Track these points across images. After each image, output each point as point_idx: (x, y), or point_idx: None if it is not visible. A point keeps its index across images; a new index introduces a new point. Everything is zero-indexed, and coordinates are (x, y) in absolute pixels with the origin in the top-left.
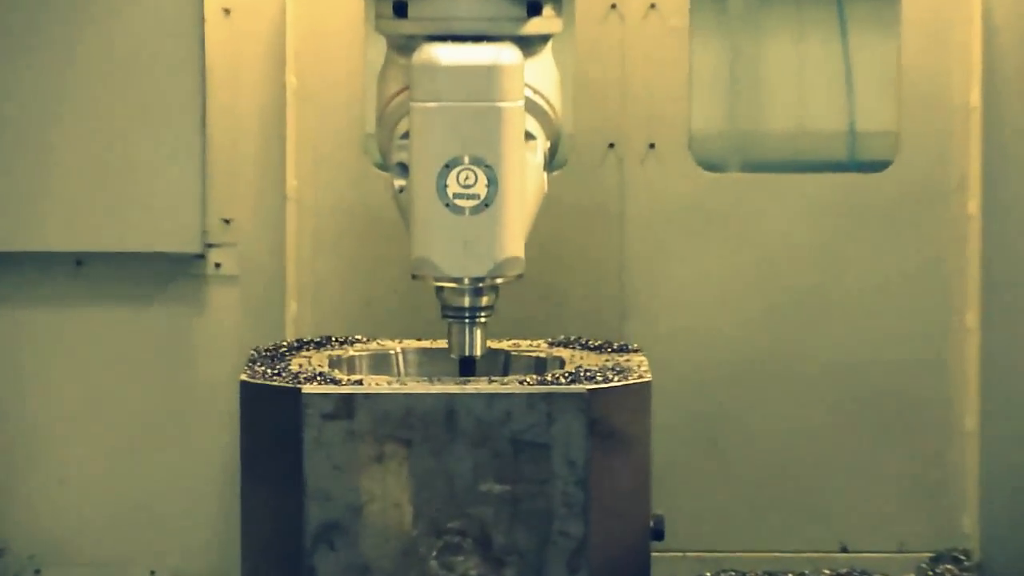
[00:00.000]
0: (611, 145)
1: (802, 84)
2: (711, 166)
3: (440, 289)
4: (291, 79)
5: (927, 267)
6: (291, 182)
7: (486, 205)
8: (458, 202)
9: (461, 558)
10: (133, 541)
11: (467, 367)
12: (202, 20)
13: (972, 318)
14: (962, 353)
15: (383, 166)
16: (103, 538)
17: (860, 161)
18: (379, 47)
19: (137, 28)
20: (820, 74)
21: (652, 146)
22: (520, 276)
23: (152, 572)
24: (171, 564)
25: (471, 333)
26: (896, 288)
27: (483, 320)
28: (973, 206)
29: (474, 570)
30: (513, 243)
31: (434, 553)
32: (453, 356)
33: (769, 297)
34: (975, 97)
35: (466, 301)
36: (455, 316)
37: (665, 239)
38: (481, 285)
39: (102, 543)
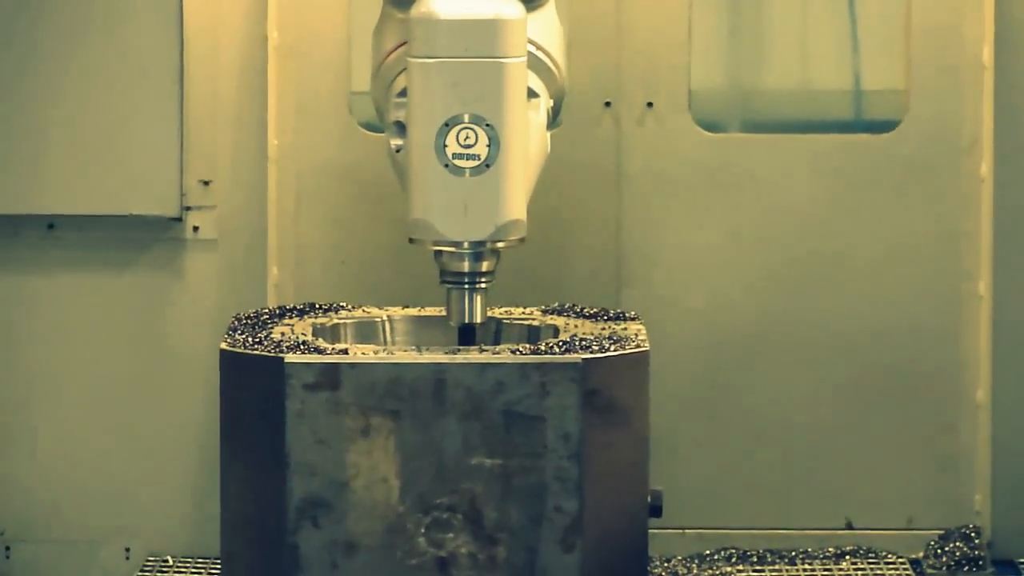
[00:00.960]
0: (607, 104)
1: (806, 40)
2: (711, 126)
3: (438, 253)
4: (273, 33)
5: (936, 232)
6: (273, 142)
7: (487, 166)
8: (458, 162)
9: (451, 535)
10: (107, 517)
11: (467, 335)
12: None
13: (983, 285)
14: (973, 321)
15: (369, 125)
16: (76, 514)
17: (867, 121)
18: (364, 0)
19: None
20: (825, 29)
21: (650, 105)
22: (522, 240)
23: (127, 549)
24: (147, 542)
25: (471, 300)
26: (904, 254)
27: (483, 286)
28: (985, 168)
29: (464, 547)
30: (515, 206)
31: (422, 530)
32: (452, 324)
33: (772, 263)
34: (987, 54)
35: (466, 266)
36: (454, 282)
37: (664, 202)
38: (481, 249)
39: (75, 519)
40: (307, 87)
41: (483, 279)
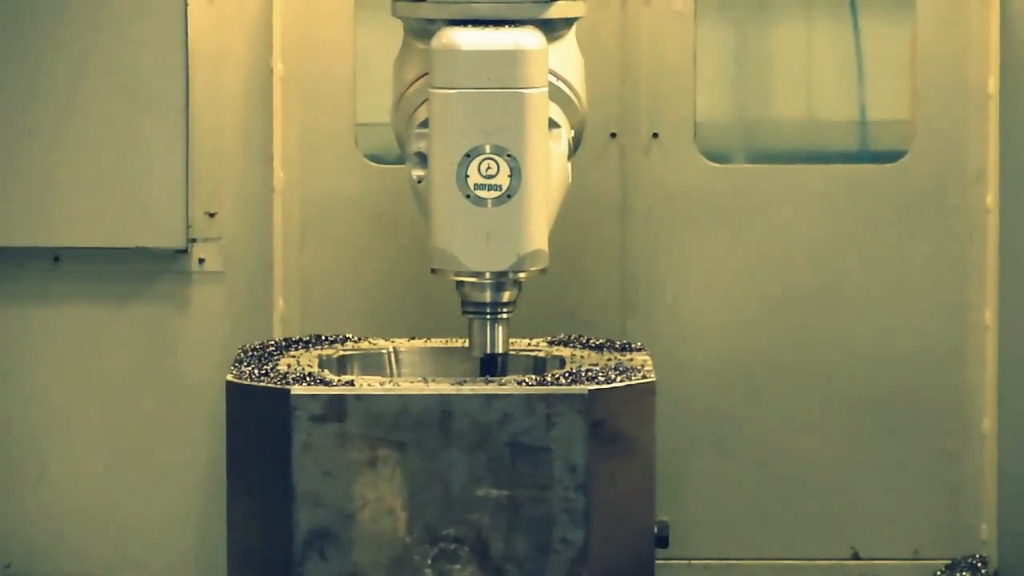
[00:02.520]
0: (613, 135)
1: (811, 71)
2: (717, 157)
3: (460, 284)
4: (278, 65)
5: (942, 262)
6: (278, 174)
7: (508, 196)
8: (479, 193)
9: (457, 566)
10: (114, 548)
11: (489, 366)
12: (185, 5)
13: (989, 315)
14: (978, 351)
15: (375, 157)
16: (83, 545)
17: (872, 152)
18: (370, 31)
19: (118, 14)
20: (830, 60)
21: (655, 136)
22: (544, 271)
23: None
24: (153, 573)
25: (493, 330)
26: (910, 284)
27: (505, 316)
28: (991, 198)
29: None
30: (537, 236)
31: (429, 561)
32: (475, 354)
33: (778, 294)
34: (992, 84)
35: (487, 296)
36: (476, 312)
37: (669, 233)
38: (503, 279)
39: (81, 551)
40: (312, 119)
41: (505, 309)
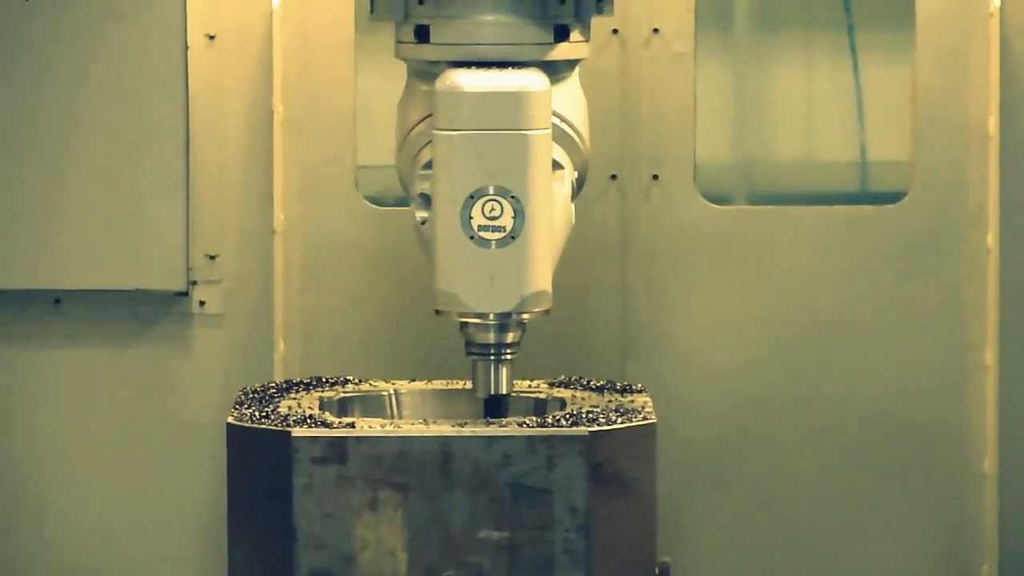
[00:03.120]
0: (613, 176)
1: (811, 112)
2: (717, 198)
3: (464, 325)
4: (278, 107)
5: (943, 303)
6: (278, 216)
7: (512, 238)
8: (483, 234)
9: None
10: None
11: (493, 407)
12: (185, 47)
13: (990, 355)
14: (979, 391)
15: (375, 199)
16: None
17: (872, 192)
18: (370, 73)
19: (117, 56)
20: (830, 102)
21: (656, 177)
22: (547, 312)
23: None
24: None
25: (497, 371)
26: (910, 325)
27: (509, 357)
28: (991, 238)
29: None
30: (541, 277)
31: None
32: (479, 395)
33: (778, 335)
34: (992, 124)
35: (491, 337)
36: (480, 353)
37: (669, 274)
38: (507, 321)
39: None
40: (313, 161)
41: (509, 350)
